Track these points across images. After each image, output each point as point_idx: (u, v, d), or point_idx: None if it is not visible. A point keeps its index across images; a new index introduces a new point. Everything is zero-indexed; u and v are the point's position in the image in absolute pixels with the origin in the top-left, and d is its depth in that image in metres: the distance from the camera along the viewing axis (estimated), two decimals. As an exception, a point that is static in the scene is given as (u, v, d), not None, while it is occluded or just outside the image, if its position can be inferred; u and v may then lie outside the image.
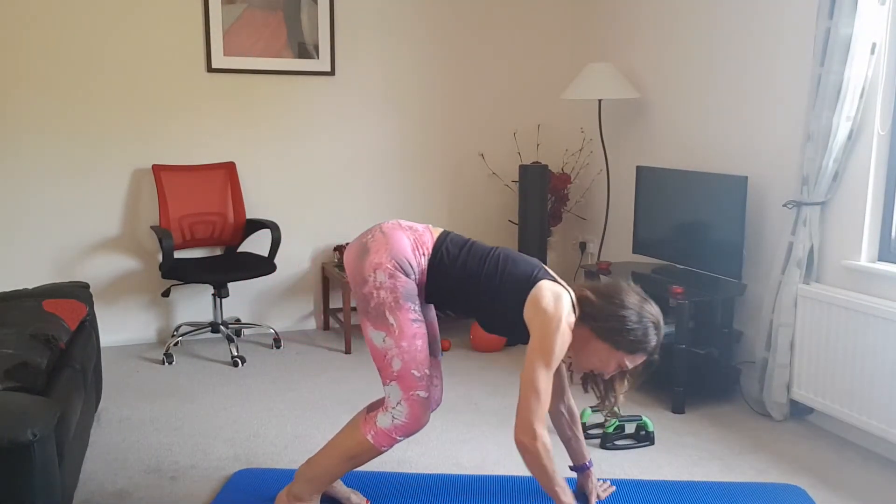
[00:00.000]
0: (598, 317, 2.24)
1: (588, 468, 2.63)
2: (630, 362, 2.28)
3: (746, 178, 3.46)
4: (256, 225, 4.41)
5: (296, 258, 4.68)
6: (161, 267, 4.00)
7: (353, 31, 4.60)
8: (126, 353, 4.23)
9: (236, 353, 4.07)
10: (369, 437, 2.30)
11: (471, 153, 4.98)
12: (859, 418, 3.02)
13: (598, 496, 2.62)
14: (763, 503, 2.63)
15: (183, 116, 4.35)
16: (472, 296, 2.32)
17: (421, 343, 2.28)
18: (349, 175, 4.73)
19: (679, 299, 3.41)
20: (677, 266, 3.97)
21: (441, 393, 2.56)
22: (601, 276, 4.03)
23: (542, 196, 4.56)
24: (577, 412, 2.59)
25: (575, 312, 2.26)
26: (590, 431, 3.19)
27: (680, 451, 3.07)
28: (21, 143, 4.09)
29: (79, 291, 3.20)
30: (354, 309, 4.76)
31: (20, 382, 2.25)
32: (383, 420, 2.29)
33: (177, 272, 3.97)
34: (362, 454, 2.32)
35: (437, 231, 2.40)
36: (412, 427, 2.29)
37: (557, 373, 2.52)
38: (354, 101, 4.67)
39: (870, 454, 3.07)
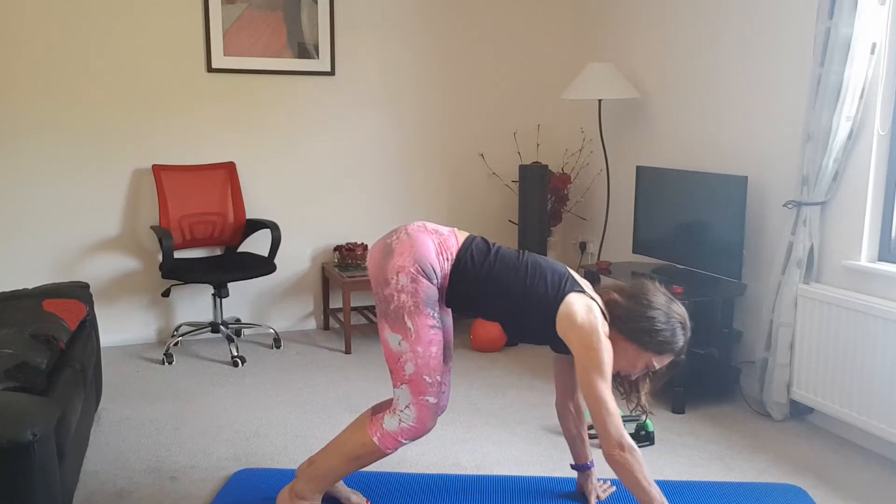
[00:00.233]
0: (627, 318, 2.26)
1: (589, 468, 2.63)
2: (657, 363, 2.29)
3: (746, 177, 3.46)
4: (256, 225, 4.41)
5: (296, 258, 4.68)
6: (161, 267, 4.00)
7: (353, 31, 4.60)
8: (126, 353, 4.23)
9: (236, 353, 4.07)
10: (375, 440, 2.29)
11: (471, 153, 4.98)
12: (859, 418, 3.02)
13: (598, 496, 2.62)
14: (763, 503, 2.63)
15: (183, 116, 4.35)
16: (498, 304, 2.31)
17: (436, 350, 2.27)
18: (349, 175, 4.73)
19: (679, 299, 3.40)
20: (677, 266, 3.97)
21: (447, 398, 2.56)
22: (601, 276, 4.03)
23: (542, 196, 4.55)
24: (584, 412, 2.60)
25: (605, 318, 2.26)
26: (591, 431, 3.19)
27: (680, 451, 3.07)
28: (21, 143, 4.09)
29: (79, 291, 3.20)
30: (354, 309, 4.77)
31: (20, 382, 2.25)
32: (390, 423, 2.29)
33: (177, 272, 3.97)
34: (367, 456, 2.32)
35: (463, 235, 2.38)
36: (418, 431, 2.29)
37: (569, 371, 2.53)
38: (354, 101, 4.67)
39: (870, 454, 3.07)
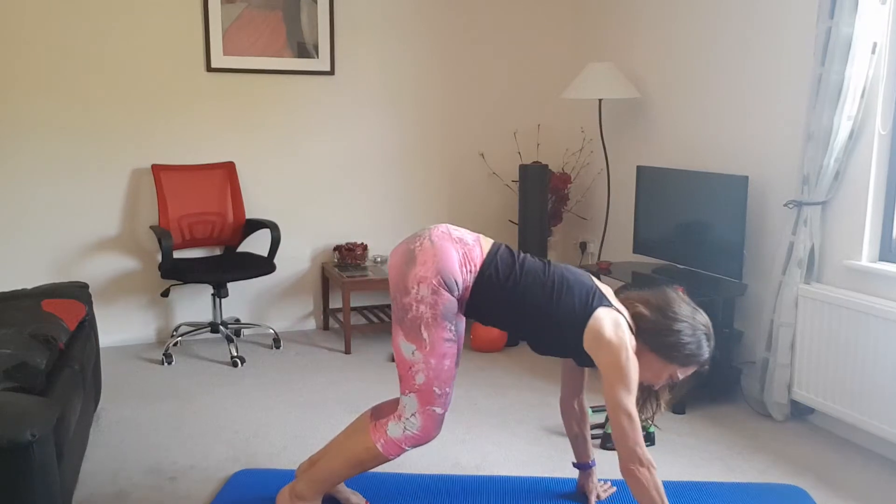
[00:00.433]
0: (653, 332, 2.25)
1: (590, 467, 2.63)
2: (682, 374, 2.29)
3: (747, 177, 3.46)
4: (256, 225, 4.40)
5: (295, 258, 4.68)
6: (160, 267, 3.99)
7: (353, 31, 4.59)
8: (125, 354, 4.23)
9: (236, 354, 4.06)
10: (378, 446, 2.28)
11: (471, 153, 4.98)
12: (860, 418, 3.01)
13: (598, 496, 2.61)
14: (764, 503, 2.63)
15: (182, 116, 4.34)
16: (522, 319, 2.29)
17: (449, 363, 2.25)
18: (349, 175, 4.72)
19: (680, 299, 3.40)
20: (678, 266, 3.96)
21: (449, 403, 2.55)
22: (601, 277, 4.03)
23: (542, 196, 4.55)
24: (588, 411, 2.60)
25: (632, 331, 2.25)
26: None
27: (681, 452, 3.06)
28: (20, 143, 4.08)
29: (78, 291, 3.19)
30: (354, 309, 4.76)
31: (19, 383, 2.24)
32: (394, 430, 2.28)
33: (176, 272, 3.96)
34: (370, 461, 2.31)
35: (488, 244, 2.32)
36: (422, 440, 2.29)
37: (578, 370, 2.53)
38: (354, 100, 4.66)
39: (871, 454, 3.06)
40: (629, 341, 2.20)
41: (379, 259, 4.72)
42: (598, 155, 4.86)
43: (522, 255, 2.34)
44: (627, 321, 2.26)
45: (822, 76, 3.11)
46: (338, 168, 4.70)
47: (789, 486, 2.78)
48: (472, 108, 4.93)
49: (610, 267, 4.07)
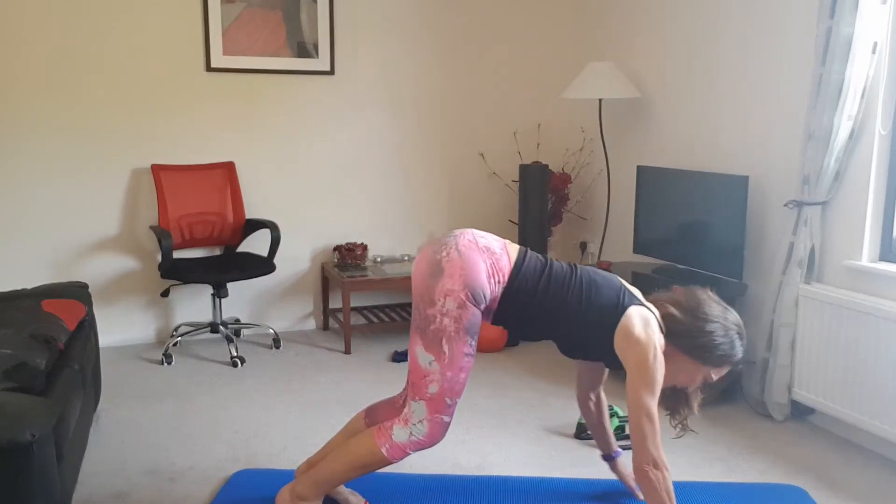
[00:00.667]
0: (685, 335, 2.23)
1: (615, 458, 2.64)
2: (716, 375, 2.28)
3: (747, 177, 3.46)
4: (256, 225, 4.40)
5: (295, 258, 4.67)
6: (160, 267, 3.99)
7: (353, 31, 4.59)
8: (125, 354, 4.22)
9: (236, 354, 4.06)
10: (383, 450, 2.28)
11: (471, 153, 4.98)
12: (861, 419, 3.01)
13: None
14: (764, 503, 2.63)
15: (182, 116, 4.34)
16: (553, 323, 2.28)
17: (464, 377, 2.24)
18: (349, 175, 4.72)
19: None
20: (678, 266, 3.96)
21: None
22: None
23: (542, 196, 4.55)
24: (605, 402, 2.60)
25: (662, 330, 2.25)
26: (590, 432, 3.19)
27: (681, 452, 3.06)
28: (20, 143, 4.08)
29: (78, 291, 3.19)
30: (354, 309, 4.76)
31: (19, 383, 2.24)
32: (400, 434, 2.27)
33: (176, 272, 3.96)
34: (373, 464, 2.31)
35: (515, 251, 2.31)
36: (426, 445, 2.29)
37: (597, 366, 2.52)
38: (354, 100, 4.66)
39: (871, 455, 3.06)
40: (658, 340, 2.19)
41: (379, 259, 4.72)
42: (598, 155, 4.86)
43: (549, 259, 2.33)
44: (658, 319, 2.25)
45: (823, 76, 3.11)
46: (338, 168, 4.69)
47: (789, 486, 2.78)
48: (472, 108, 4.93)
49: (610, 267, 4.07)
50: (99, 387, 3.33)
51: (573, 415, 3.41)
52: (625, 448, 3.07)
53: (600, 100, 4.51)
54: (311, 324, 4.79)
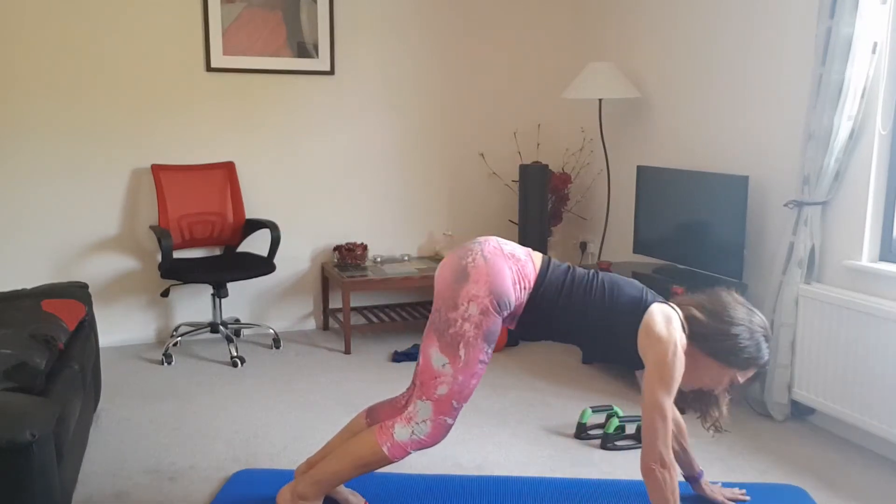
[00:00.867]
0: (710, 337, 2.23)
1: (700, 477, 2.59)
2: (742, 377, 2.28)
3: (747, 177, 3.46)
4: (256, 225, 4.40)
5: (295, 258, 4.67)
6: (160, 267, 3.99)
7: (353, 31, 4.59)
8: (125, 354, 4.22)
9: (235, 354, 4.06)
10: (385, 448, 2.28)
11: (471, 153, 4.98)
12: (861, 419, 3.01)
13: (725, 496, 2.57)
14: (764, 503, 2.63)
15: (182, 116, 4.34)
16: (577, 326, 2.29)
17: (475, 382, 2.25)
18: (349, 175, 4.72)
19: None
20: (678, 266, 3.96)
21: None
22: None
23: (542, 196, 4.55)
24: (684, 424, 2.55)
25: (685, 330, 2.24)
26: (590, 432, 3.19)
27: (681, 452, 3.06)
28: (20, 143, 4.08)
29: (78, 291, 3.19)
30: (354, 309, 4.76)
31: (19, 383, 2.24)
32: (402, 433, 2.27)
33: (176, 272, 3.96)
34: (374, 463, 2.31)
35: (538, 259, 2.33)
36: (428, 444, 2.29)
37: None
38: (354, 100, 4.66)
39: (871, 455, 3.06)
40: (679, 338, 2.19)
41: (379, 259, 4.72)
42: (598, 155, 4.86)
43: (571, 266, 2.36)
44: (681, 319, 2.25)
45: (823, 76, 3.11)
46: (338, 168, 4.69)
47: (789, 486, 2.78)
48: (471, 108, 4.93)
49: (610, 267, 4.07)
50: (99, 387, 3.33)
51: (573, 415, 3.41)
52: (624, 448, 3.08)
53: (600, 100, 4.51)
54: (311, 324, 4.79)
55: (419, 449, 2.29)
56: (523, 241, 4.58)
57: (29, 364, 2.32)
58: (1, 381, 2.21)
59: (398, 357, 4.17)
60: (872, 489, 2.78)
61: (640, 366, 2.30)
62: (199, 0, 4.26)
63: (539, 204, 4.55)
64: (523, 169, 4.56)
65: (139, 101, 4.25)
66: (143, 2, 4.18)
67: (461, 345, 2.20)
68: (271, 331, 4.53)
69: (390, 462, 2.30)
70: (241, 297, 4.59)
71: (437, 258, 4.81)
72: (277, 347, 4.36)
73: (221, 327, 4.26)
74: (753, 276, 3.64)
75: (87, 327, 3.10)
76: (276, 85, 4.48)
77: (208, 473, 2.83)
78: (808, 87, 3.29)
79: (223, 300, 4.39)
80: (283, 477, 2.70)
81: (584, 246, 5.06)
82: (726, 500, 2.57)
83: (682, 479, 2.65)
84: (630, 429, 3.19)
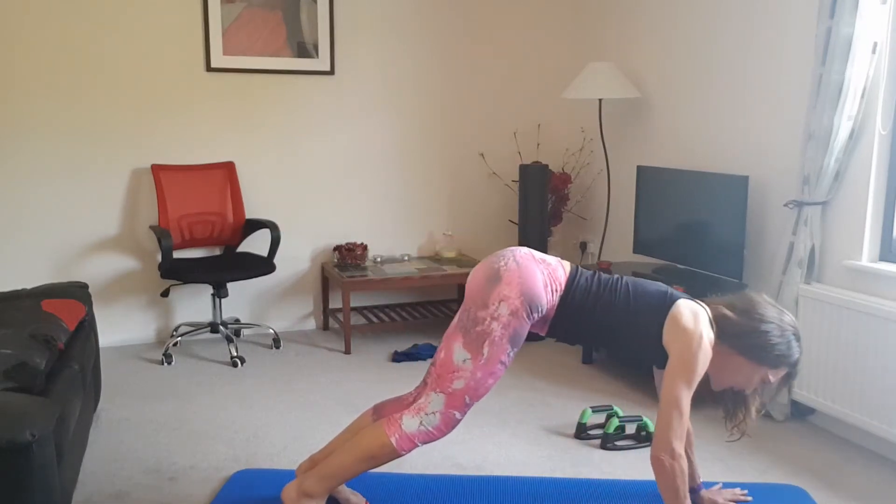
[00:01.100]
0: (740, 335, 2.24)
1: (699, 489, 2.59)
2: (773, 377, 2.28)
3: (747, 177, 3.46)
4: (256, 225, 4.40)
5: (295, 258, 4.67)
6: (160, 267, 3.99)
7: (353, 31, 4.59)
8: (125, 354, 4.22)
9: (236, 354, 4.06)
10: (392, 440, 2.29)
11: (471, 153, 4.98)
12: (861, 419, 3.01)
13: (727, 499, 2.58)
14: (764, 503, 2.63)
15: (182, 116, 4.34)
16: (605, 326, 2.32)
17: (492, 382, 2.28)
18: (349, 175, 4.72)
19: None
20: (678, 266, 3.96)
21: None
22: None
23: (542, 196, 4.55)
24: (692, 433, 2.56)
25: (712, 328, 2.25)
26: (590, 432, 3.19)
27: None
28: (20, 143, 4.08)
29: (77, 291, 3.19)
30: (354, 309, 4.76)
31: (19, 383, 2.24)
32: (410, 424, 2.28)
33: (176, 272, 3.96)
34: (382, 456, 2.31)
35: (567, 265, 2.39)
36: (434, 437, 2.30)
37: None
38: (354, 100, 4.66)
39: (871, 455, 3.06)
40: (706, 333, 2.20)
41: (379, 259, 4.72)
42: (598, 155, 4.86)
43: (595, 270, 2.41)
44: (709, 317, 2.27)
45: (823, 76, 3.11)
46: (338, 168, 4.69)
47: (789, 486, 2.78)
48: (472, 108, 4.93)
49: (610, 267, 4.07)
50: (99, 387, 3.33)
51: (573, 415, 3.41)
52: (624, 448, 3.08)
53: (600, 100, 4.51)
54: (311, 324, 4.79)
55: (427, 442, 2.30)
56: (523, 241, 4.58)
57: (29, 364, 2.32)
58: (1, 381, 2.21)
59: (398, 357, 4.17)
60: (872, 489, 2.78)
61: (663, 365, 2.31)
62: (199, 0, 4.26)
63: (539, 204, 4.55)
64: (523, 169, 4.56)
65: (139, 101, 4.25)
66: (143, 2, 4.18)
67: (486, 343, 2.23)
68: (271, 331, 4.53)
69: (398, 455, 2.30)
70: (241, 297, 4.59)
71: (437, 258, 4.81)
72: (277, 347, 4.36)
73: (221, 327, 4.26)
74: (753, 276, 3.64)
75: (87, 327, 3.10)
76: (276, 85, 4.48)
77: (208, 473, 2.83)
78: (808, 87, 3.29)
79: (223, 300, 4.39)
80: (283, 477, 2.70)
81: (584, 246, 5.06)
82: (727, 503, 2.57)
83: None
84: (630, 428, 3.19)
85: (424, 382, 2.48)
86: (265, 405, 3.51)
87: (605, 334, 2.36)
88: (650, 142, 4.42)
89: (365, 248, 4.56)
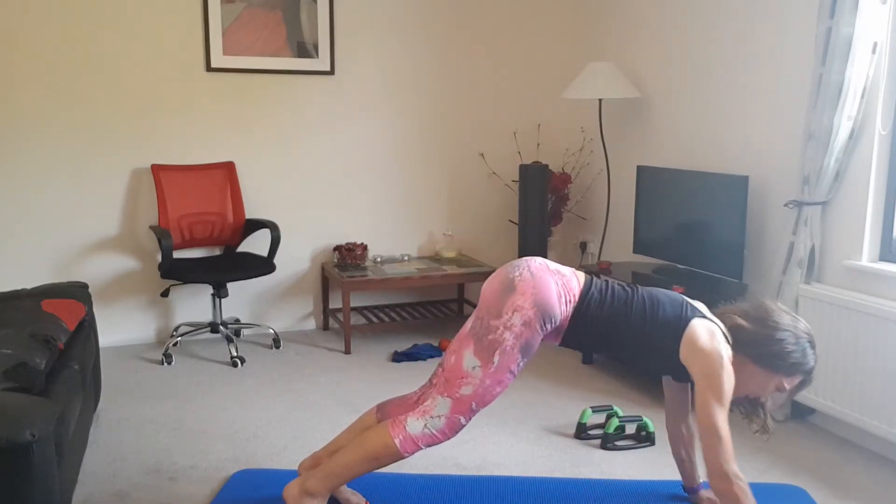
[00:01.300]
0: (755, 343, 2.25)
1: (699, 491, 2.61)
2: (788, 384, 2.29)
3: (747, 177, 3.46)
4: (256, 225, 4.40)
5: (295, 258, 4.67)
6: (160, 267, 3.99)
7: (353, 31, 4.59)
8: (125, 354, 4.22)
9: (235, 354, 4.06)
10: (397, 441, 2.29)
11: (471, 153, 4.98)
12: (861, 419, 3.01)
13: None
14: (764, 503, 2.63)
15: (182, 116, 4.34)
16: (618, 338, 2.32)
17: (500, 390, 2.29)
18: (349, 175, 4.72)
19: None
20: (678, 266, 3.96)
21: None
22: (601, 276, 4.02)
23: (542, 196, 4.55)
24: (695, 435, 2.55)
25: (728, 342, 2.26)
26: (590, 432, 3.19)
27: (681, 452, 3.06)
28: (20, 143, 4.08)
29: (78, 291, 3.19)
30: (354, 309, 4.76)
31: (19, 383, 2.24)
32: (414, 426, 2.29)
33: (176, 272, 3.96)
34: (385, 457, 2.32)
35: (582, 276, 2.39)
36: (438, 440, 2.31)
37: (682, 393, 2.53)
38: (354, 100, 4.66)
39: (871, 455, 3.06)
40: (725, 351, 2.21)
41: (379, 259, 4.72)
42: (598, 155, 4.86)
43: (608, 281, 2.40)
44: (724, 332, 2.27)
45: (823, 76, 3.11)
46: (338, 168, 4.69)
47: (789, 486, 2.78)
48: (472, 108, 4.93)
49: (610, 267, 4.07)
50: (99, 387, 3.33)
51: (573, 415, 3.41)
52: (624, 448, 3.08)
53: (600, 100, 4.51)
54: (311, 324, 4.79)
55: (430, 444, 2.30)
56: (523, 241, 4.58)
57: (29, 364, 2.32)
58: (1, 381, 2.21)
59: (398, 357, 4.17)
60: (872, 489, 2.78)
61: (684, 377, 2.32)
62: (198, 0, 4.26)
63: (539, 204, 4.55)
64: (523, 169, 4.56)
65: (139, 101, 4.25)
66: (143, 2, 4.18)
67: (497, 351, 2.24)
68: (271, 331, 4.53)
69: (401, 457, 2.31)
70: (241, 297, 4.59)
71: (436, 258, 4.81)
72: (277, 347, 4.36)
73: (221, 327, 4.26)
74: (753, 276, 3.64)
75: (87, 327, 3.10)
76: (276, 85, 4.48)
77: (208, 473, 2.83)
78: (808, 87, 3.29)
79: (223, 300, 4.39)
80: (284, 476, 2.70)
81: (584, 246, 5.06)
82: None
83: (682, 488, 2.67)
84: (630, 428, 3.19)
85: (430, 383, 2.49)
86: (265, 405, 3.51)
87: (618, 347, 2.36)
88: (650, 142, 4.42)
89: (365, 248, 4.56)
